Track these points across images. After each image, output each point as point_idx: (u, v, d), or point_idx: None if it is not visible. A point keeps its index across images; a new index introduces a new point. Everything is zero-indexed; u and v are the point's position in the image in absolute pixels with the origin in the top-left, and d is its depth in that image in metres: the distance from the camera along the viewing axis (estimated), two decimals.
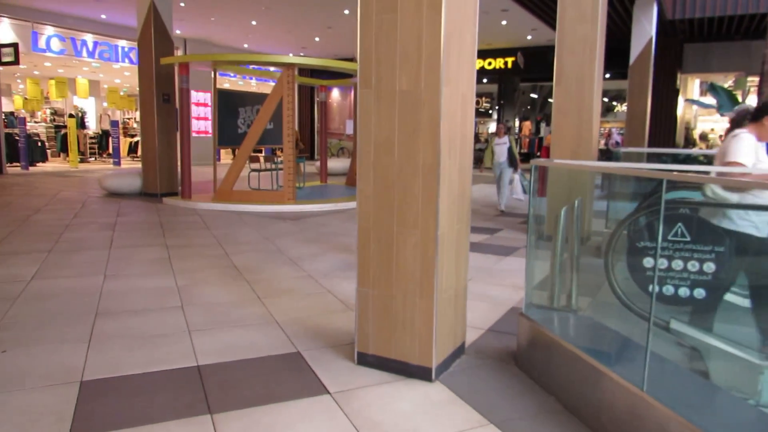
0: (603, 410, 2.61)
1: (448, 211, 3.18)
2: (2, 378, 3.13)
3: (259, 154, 13.73)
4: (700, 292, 3.21)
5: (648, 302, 3.17)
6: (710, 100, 15.31)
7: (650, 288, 3.25)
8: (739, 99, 14.33)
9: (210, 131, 16.52)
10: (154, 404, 2.86)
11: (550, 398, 3.01)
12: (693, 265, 3.18)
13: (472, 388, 3.12)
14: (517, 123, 23.36)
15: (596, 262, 4.06)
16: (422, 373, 3.19)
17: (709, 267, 3.14)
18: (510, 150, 9.93)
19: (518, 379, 3.26)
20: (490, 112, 24.69)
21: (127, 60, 18.14)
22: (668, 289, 3.27)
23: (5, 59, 14.51)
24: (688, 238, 3.19)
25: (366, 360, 3.36)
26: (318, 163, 15.03)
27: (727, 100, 13.12)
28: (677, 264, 3.24)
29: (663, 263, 3.19)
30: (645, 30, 12.62)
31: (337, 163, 17.27)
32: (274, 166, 12.15)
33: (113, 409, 2.81)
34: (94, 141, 20.61)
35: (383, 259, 3.25)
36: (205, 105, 20.44)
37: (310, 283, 5.20)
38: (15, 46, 14.56)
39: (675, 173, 2.62)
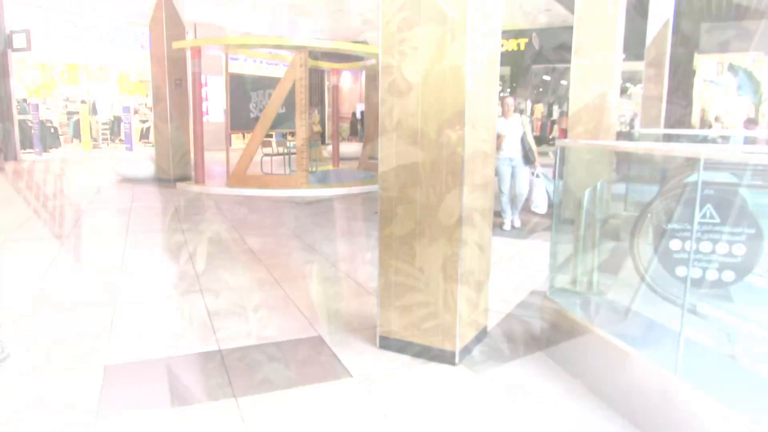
0: (633, 394, 2.57)
1: (472, 193, 3.13)
2: (25, 361, 3.14)
3: (271, 139, 13.68)
4: (729, 275, 3.15)
5: (673, 285, 3.13)
6: (728, 80, 15.05)
7: (678, 271, 3.20)
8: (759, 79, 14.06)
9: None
10: (179, 388, 2.86)
11: (576, 381, 2.97)
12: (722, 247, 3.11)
13: (495, 371, 3.09)
14: (529, 105, 23.10)
15: (618, 245, 4.00)
16: (445, 357, 3.16)
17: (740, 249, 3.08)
18: (524, 139, 6.75)
19: (542, 362, 3.22)
20: (502, 94, 24.46)
21: (138, 45, 18.10)
22: (696, 272, 3.21)
23: (17, 45, 14.51)
24: (717, 220, 3.12)
25: (388, 344, 3.33)
26: (330, 147, 14.96)
27: (746, 80, 12.89)
28: (705, 246, 3.17)
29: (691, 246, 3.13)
30: (662, 10, 12.34)
31: (349, 147, 17.18)
32: (286, 151, 12.09)
33: (138, 392, 2.81)
34: (106, 126, 20.68)
35: (405, 242, 3.20)
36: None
37: (328, 267, 5.18)
38: (26, 32, 14.54)
39: (710, 151, 2.54)
